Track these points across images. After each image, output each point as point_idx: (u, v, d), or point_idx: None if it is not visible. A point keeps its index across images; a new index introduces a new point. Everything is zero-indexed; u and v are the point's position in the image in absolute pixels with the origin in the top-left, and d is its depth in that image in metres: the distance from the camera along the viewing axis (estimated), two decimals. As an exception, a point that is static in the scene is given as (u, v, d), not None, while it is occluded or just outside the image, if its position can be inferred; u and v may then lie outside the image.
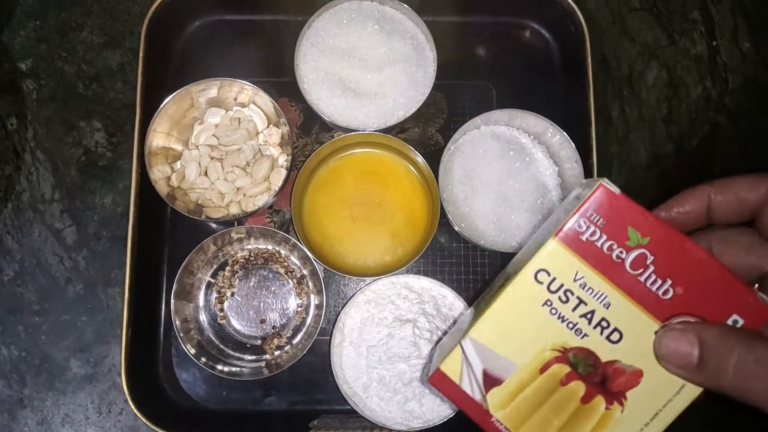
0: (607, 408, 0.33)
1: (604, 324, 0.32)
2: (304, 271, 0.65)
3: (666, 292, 0.32)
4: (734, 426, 0.66)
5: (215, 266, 0.65)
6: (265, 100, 0.62)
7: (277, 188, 0.62)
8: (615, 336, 0.32)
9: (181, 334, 0.60)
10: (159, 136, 0.61)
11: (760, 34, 0.72)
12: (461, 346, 0.34)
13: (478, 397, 0.34)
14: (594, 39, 0.65)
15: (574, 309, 0.33)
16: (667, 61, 0.71)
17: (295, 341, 0.64)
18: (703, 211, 0.38)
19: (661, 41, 0.72)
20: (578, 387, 0.33)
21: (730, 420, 0.66)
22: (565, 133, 0.62)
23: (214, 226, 0.65)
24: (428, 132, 0.68)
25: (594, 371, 0.33)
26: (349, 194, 0.65)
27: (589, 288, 0.32)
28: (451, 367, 0.34)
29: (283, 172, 0.63)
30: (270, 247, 0.65)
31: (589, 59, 0.64)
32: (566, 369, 0.33)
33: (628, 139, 0.70)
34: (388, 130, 0.63)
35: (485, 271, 0.66)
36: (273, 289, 0.65)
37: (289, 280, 0.65)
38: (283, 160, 0.65)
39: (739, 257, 0.36)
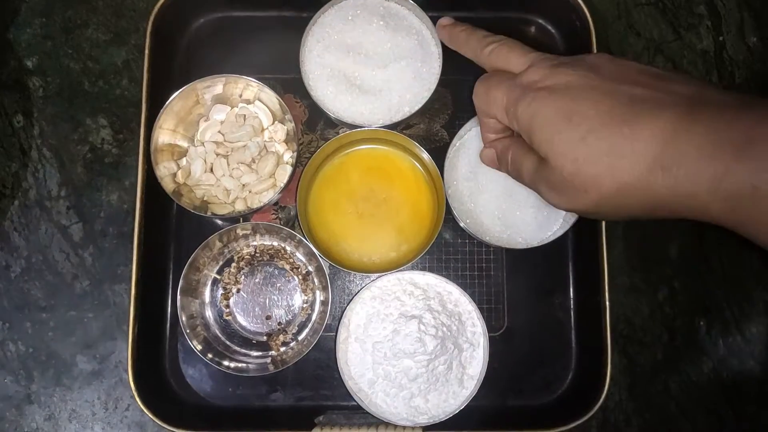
0: None
1: None
2: (310, 268, 0.65)
3: None
4: (736, 414, 0.66)
5: (221, 263, 0.65)
6: (270, 96, 0.62)
7: (282, 185, 0.62)
8: None
9: (188, 331, 0.60)
10: (165, 133, 0.61)
11: (767, 28, 0.72)
12: None
13: None
14: (599, 34, 0.65)
15: None
16: (673, 55, 0.71)
17: (300, 337, 0.64)
18: None
19: (667, 36, 0.71)
20: None
21: (732, 411, 0.66)
22: (570, 129, 0.62)
23: (219, 222, 0.66)
24: (433, 128, 0.68)
25: None
26: (355, 190, 0.65)
27: None
28: None
29: (289, 169, 0.63)
30: (275, 243, 0.65)
31: (595, 54, 0.64)
32: None
33: (634, 134, 0.70)
34: (393, 127, 0.63)
35: (490, 267, 0.66)
36: (278, 285, 0.65)
37: (295, 277, 0.65)
38: (288, 156, 0.65)
39: None
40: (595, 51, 0.64)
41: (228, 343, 0.64)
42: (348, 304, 0.61)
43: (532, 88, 0.47)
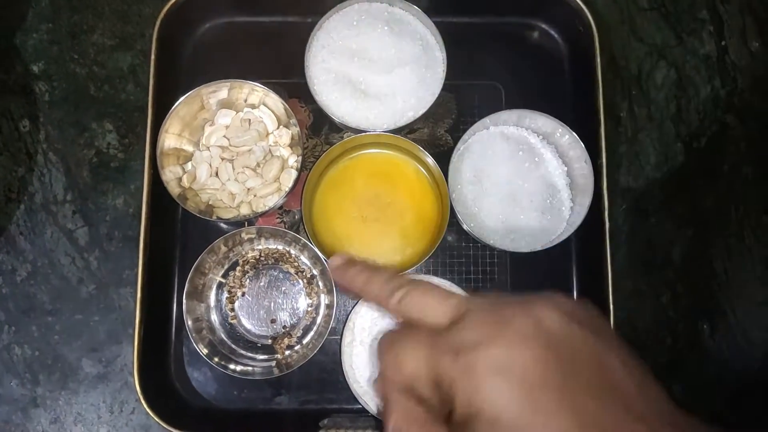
0: None
1: None
2: (315, 271, 0.65)
3: None
4: (740, 418, 0.66)
5: (226, 266, 0.65)
6: (275, 101, 0.63)
7: (287, 189, 0.62)
8: None
9: (194, 334, 0.60)
10: (170, 138, 0.62)
11: (769, 33, 0.72)
12: None
13: None
14: (603, 39, 0.66)
15: None
16: (676, 60, 0.72)
17: (305, 341, 0.64)
18: None
19: (670, 41, 0.72)
20: None
21: (735, 414, 0.66)
22: (574, 133, 0.62)
23: (224, 226, 0.66)
24: (437, 132, 0.68)
25: None
26: (359, 195, 0.65)
27: None
28: None
29: (294, 173, 0.63)
30: (280, 247, 0.65)
31: (598, 59, 0.64)
32: None
33: (637, 138, 0.70)
34: (397, 131, 0.63)
35: (494, 271, 0.66)
36: (283, 289, 0.65)
37: (300, 280, 0.65)
38: (293, 160, 0.65)
39: None
40: (598, 56, 0.64)
41: (233, 346, 0.64)
42: (353, 308, 0.61)
43: (469, 363, 0.33)
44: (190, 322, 0.60)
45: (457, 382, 0.32)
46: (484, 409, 0.31)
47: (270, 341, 0.64)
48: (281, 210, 0.67)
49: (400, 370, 0.35)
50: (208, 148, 0.65)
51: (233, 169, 0.64)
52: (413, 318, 0.37)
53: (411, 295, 0.37)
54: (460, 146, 0.64)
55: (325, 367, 0.64)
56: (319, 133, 0.68)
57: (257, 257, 0.65)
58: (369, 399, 0.59)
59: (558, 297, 0.34)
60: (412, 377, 0.34)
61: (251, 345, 0.64)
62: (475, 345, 0.32)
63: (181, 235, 0.66)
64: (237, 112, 0.66)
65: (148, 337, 0.60)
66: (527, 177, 0.63)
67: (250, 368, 0.62)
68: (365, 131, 0.63)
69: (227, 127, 0.66)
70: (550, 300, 0.34)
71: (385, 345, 0.36)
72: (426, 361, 0.34)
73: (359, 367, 0.60)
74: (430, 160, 0.63)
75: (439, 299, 0.36)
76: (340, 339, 0.61)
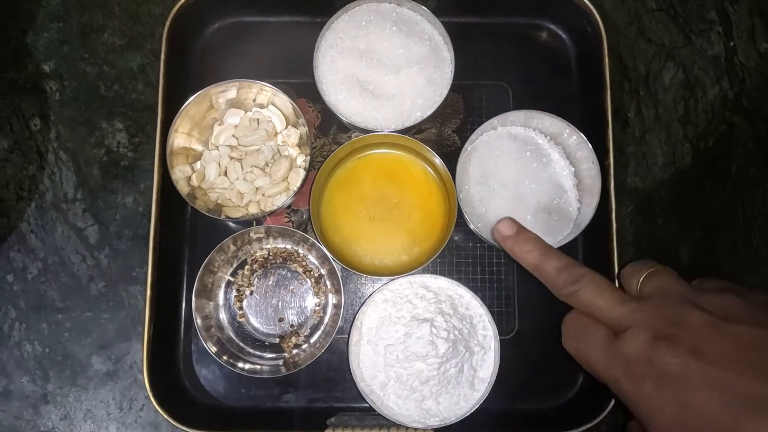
0: None
1: None
2: (322, 271, 0.65)
3: None
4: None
5: (235, 265, 0.66)
6: (284, 101, 0.63)
7: (295, 188, 0.62)
8: None
9: (203, 332, 0.61)
10: (180, 137, 0.62)
11: (778, 34, 0.72)
12: None
13: None
14: (611, 39, 0.66)
15: None
16: (684, 61, 0.71)
17: (312, 340, 0.64)
18: None
19: (678, 42, 0.72)
20: None
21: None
22: (581, 134, 0.62)
23: (233, 225, 0.66)
24: (445, 132, 0.69)
25: None
26: (367, 194, 0.65)
27: None
28: None
29: (302, 173, 0.64)
30: (288, 246, 0.66)
31: (606, 60, 0.65)
32: None
33: (645, 139, 0.70)
34: (405, 131, 0.64)
35: (501, 271, 0.67)
36: (291, 288, 0.66)
37: (308, 280, 0.65)
38: (301, 160, 0.65)
39: None
40: (606, 57, 0.64)
41: (241, 344, 0.64)
42: (360, 307, 0.62)
43: (636, 371, 0.42)
44: (199, 321, 0.61)
45: (625, 389, 0.43)
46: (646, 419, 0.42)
47: (278, 340, 0.64)
48: (289, 209, 0.67)
49: (580, 360, 0.46)
50: (217, 148, 0.65)
51: (242, 168, 0.64)
52: (583, 309, 0.47)
53: (582, 292, 0.46)
54: (468, 146, 0.64)
55: (332, 366, 0.64)
56: (327, 133, 0.69)
57: (266, 256, 0.66)
58: (376, 398, 0.60)
59: (717, 296, 0.44)
60: (588, 367, 0.46)
61: (259, 343, 0.65)
62: (638, 361, 0.41)
63: (190, 234, 0.67)
64: (246, 112, 0.66)
65: (157, 334, 0.60)
66: (534, 177, 0.64)
67: (258, 366, 0.62)
68: (373, 131, 0.63)
69: (236, 126, 0.66)
70: (697, 306, 0.42)
71: (570, 332, 0.47)
72: (601, 363, 0.44)
73: (366, 366, 0.60)
74: (437, 160, 0.63)
75: (609, 304, 0.45)
76: (348, 338, 0.61)
